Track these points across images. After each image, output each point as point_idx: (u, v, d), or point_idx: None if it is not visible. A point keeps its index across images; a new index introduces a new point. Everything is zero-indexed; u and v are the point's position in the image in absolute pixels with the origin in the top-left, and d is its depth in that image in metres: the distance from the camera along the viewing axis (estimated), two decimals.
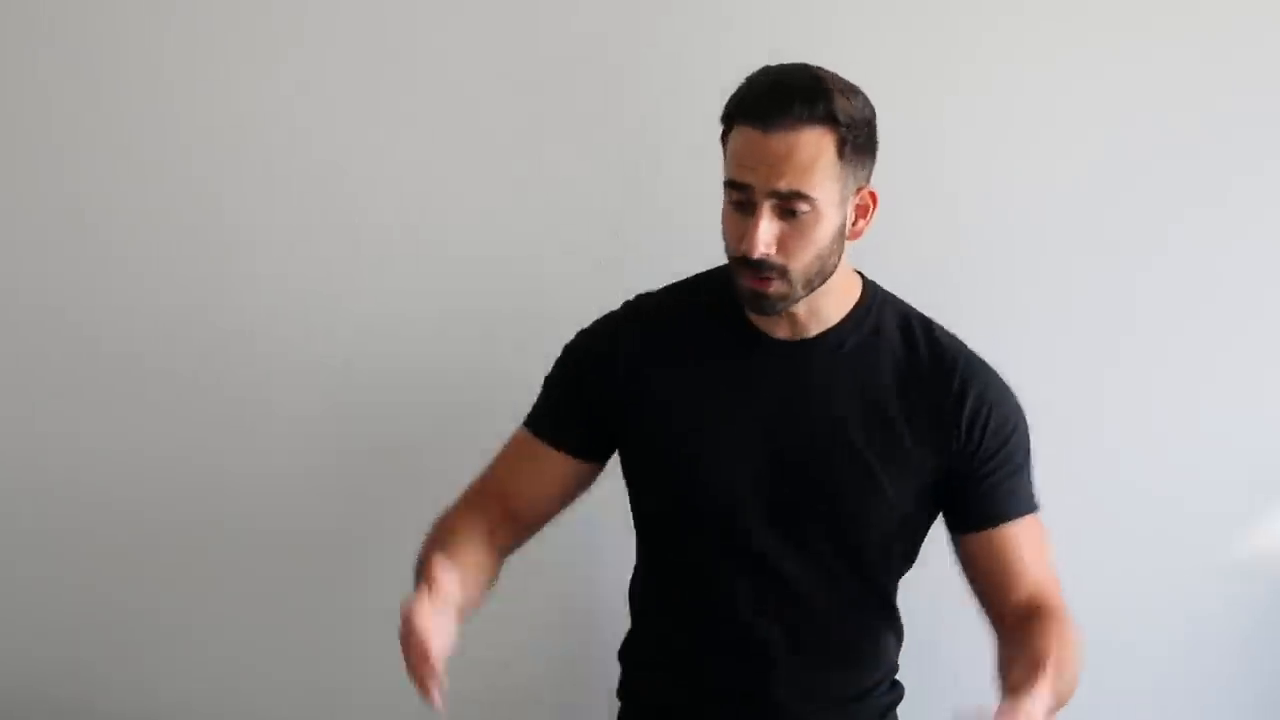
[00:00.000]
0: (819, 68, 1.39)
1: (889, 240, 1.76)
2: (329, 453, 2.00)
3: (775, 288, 1.38)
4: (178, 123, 1.92)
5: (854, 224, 1.42)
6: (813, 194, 1.34)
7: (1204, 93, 1.88)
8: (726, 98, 1.41)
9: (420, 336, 1.96)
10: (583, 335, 1.55)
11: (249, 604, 2.03)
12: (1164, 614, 2.00)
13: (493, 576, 1.48)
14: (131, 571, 2.02)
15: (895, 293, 1.55)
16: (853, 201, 1.40)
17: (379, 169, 1.92)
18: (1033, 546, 1.49)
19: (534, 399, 1.58)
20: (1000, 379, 1.50)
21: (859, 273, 1.51)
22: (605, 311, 1.57)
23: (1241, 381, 1.95)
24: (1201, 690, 2.03)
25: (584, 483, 1.56)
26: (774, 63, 1.41)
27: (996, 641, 1.47)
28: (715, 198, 1.43)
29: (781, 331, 1.46)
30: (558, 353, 1.58)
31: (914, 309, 1.53)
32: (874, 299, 1.50)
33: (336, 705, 2.05)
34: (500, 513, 1.51)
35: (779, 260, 1.36)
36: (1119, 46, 1.86)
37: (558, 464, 1.53)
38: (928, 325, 1.51)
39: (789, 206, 1.34)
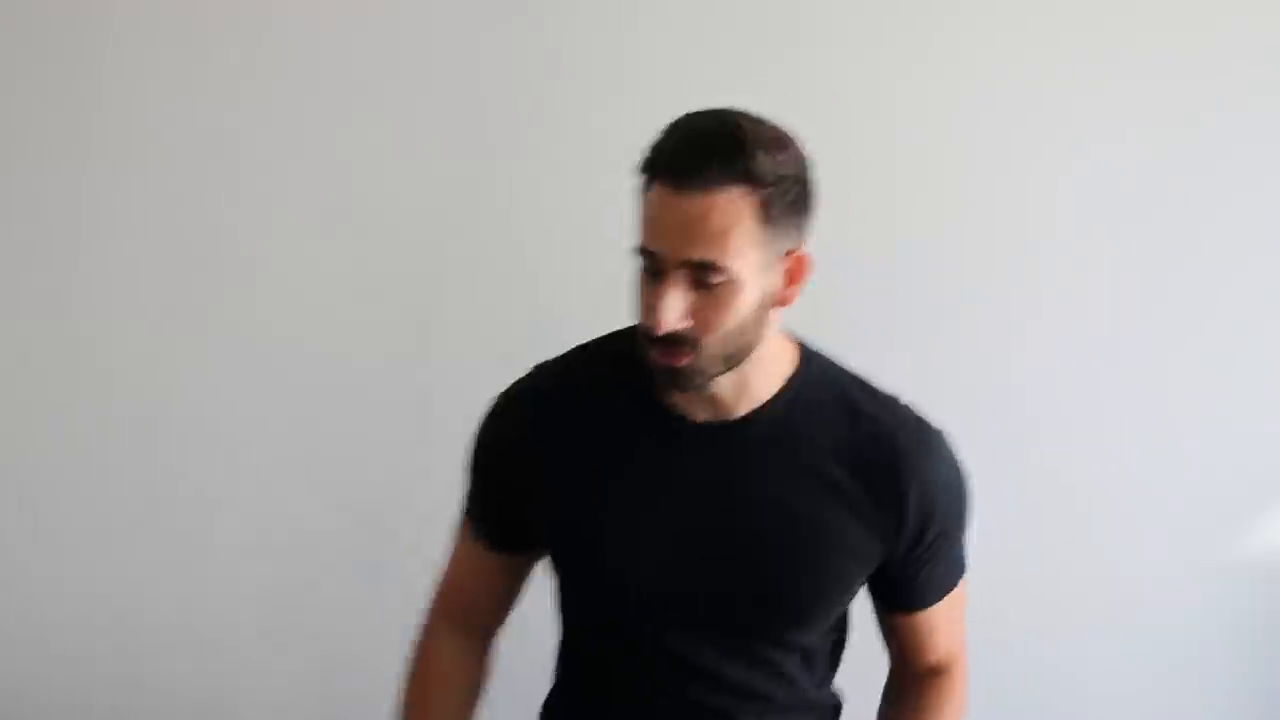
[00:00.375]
0: (745, 115, 1.21)
1: (902, 241, 1.76)
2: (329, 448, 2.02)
3: (687, 362, 1.22)
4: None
5: (784, 289, 1.25)
6: (728, 264, 1.18)
7: (1212, 96, 1.88)
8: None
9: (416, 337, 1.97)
10: (488, 421, 1.39)
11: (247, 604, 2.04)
12: (1166, 614, 2.02)
13: (485, 681, 1.47)
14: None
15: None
16: (780, 266, 1.23)
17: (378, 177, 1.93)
18: (952, 612, 1.43)
19: None
20: (944, 447, 1.35)
21: (791, 338, 1.35)
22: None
23: (1247, 384, 1.96)
24: (1203, 690, 2.04)
25: (530, 567, 1.46)
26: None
27: (889, 688, 1.48)
28: None
29: (703, 413, 1.30)
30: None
31: (852, 375, 1.36)
32: (809, 368, 1.33)
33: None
34: (465, 620, 1.46)
35: (691, 334, 1.20)
36: (1123, 51, 1.87)
37: (496, 562, 1.43)
38: (868, 393, 1.35)
39: (702, 277, 1.19)
